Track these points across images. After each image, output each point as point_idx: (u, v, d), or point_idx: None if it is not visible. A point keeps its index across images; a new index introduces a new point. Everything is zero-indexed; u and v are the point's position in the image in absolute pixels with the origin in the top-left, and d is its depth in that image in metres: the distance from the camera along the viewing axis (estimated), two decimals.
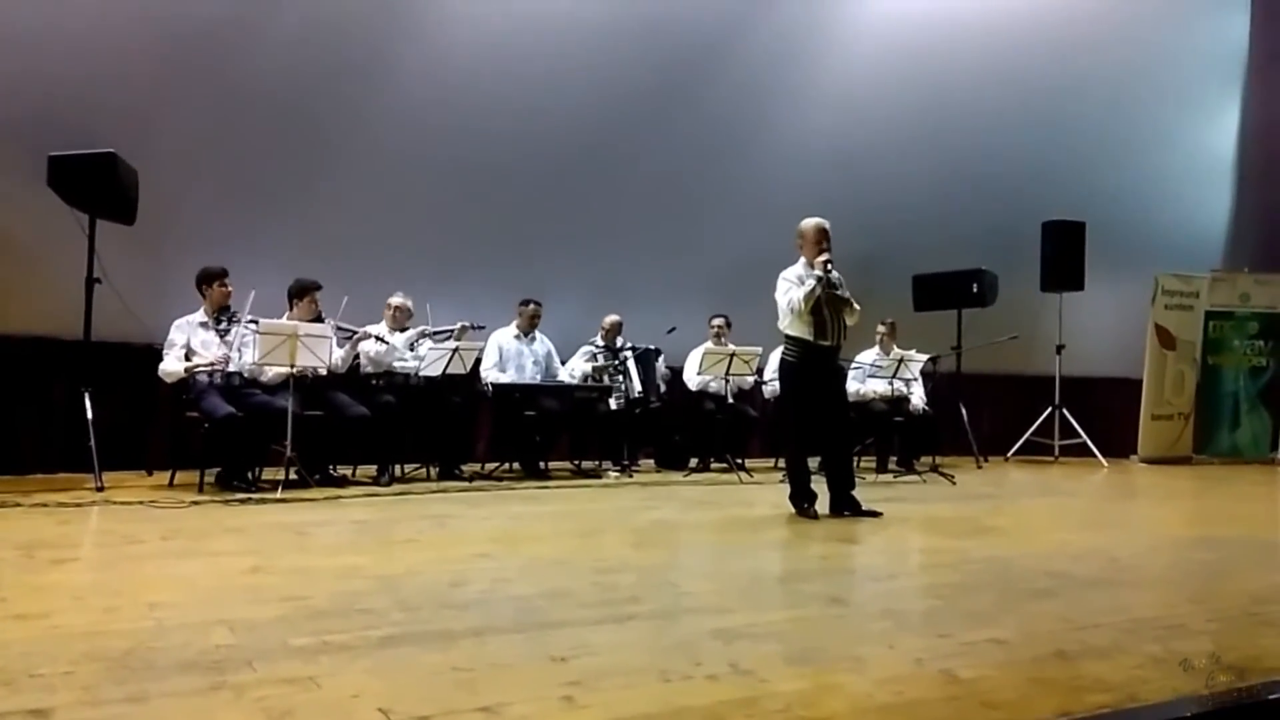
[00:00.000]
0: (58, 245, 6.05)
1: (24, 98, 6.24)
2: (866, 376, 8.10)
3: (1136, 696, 2.15)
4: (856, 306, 5.20)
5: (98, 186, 5.75)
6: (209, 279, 5.89)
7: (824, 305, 5.07)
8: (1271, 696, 2.19)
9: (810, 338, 5.09)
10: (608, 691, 2.11)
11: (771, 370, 7.22)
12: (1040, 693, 2.16)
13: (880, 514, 5.13)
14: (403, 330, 6.69)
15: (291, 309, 6.10)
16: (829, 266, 5.02)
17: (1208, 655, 2.30)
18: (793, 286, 5.09)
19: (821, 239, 5.10)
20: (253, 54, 6.98)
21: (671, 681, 2.19)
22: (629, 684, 2.17)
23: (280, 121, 7.12)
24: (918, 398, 8.05)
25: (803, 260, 5.18)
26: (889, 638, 2.63)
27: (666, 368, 8.02)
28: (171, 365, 5.74)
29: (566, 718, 1.94)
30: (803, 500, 5.14)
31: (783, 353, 5.32)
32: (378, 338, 6.40)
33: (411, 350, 6.62)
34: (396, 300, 6.70)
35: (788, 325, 5.16)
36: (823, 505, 5.15)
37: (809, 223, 5.18)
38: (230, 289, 5.90)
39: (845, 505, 5.15)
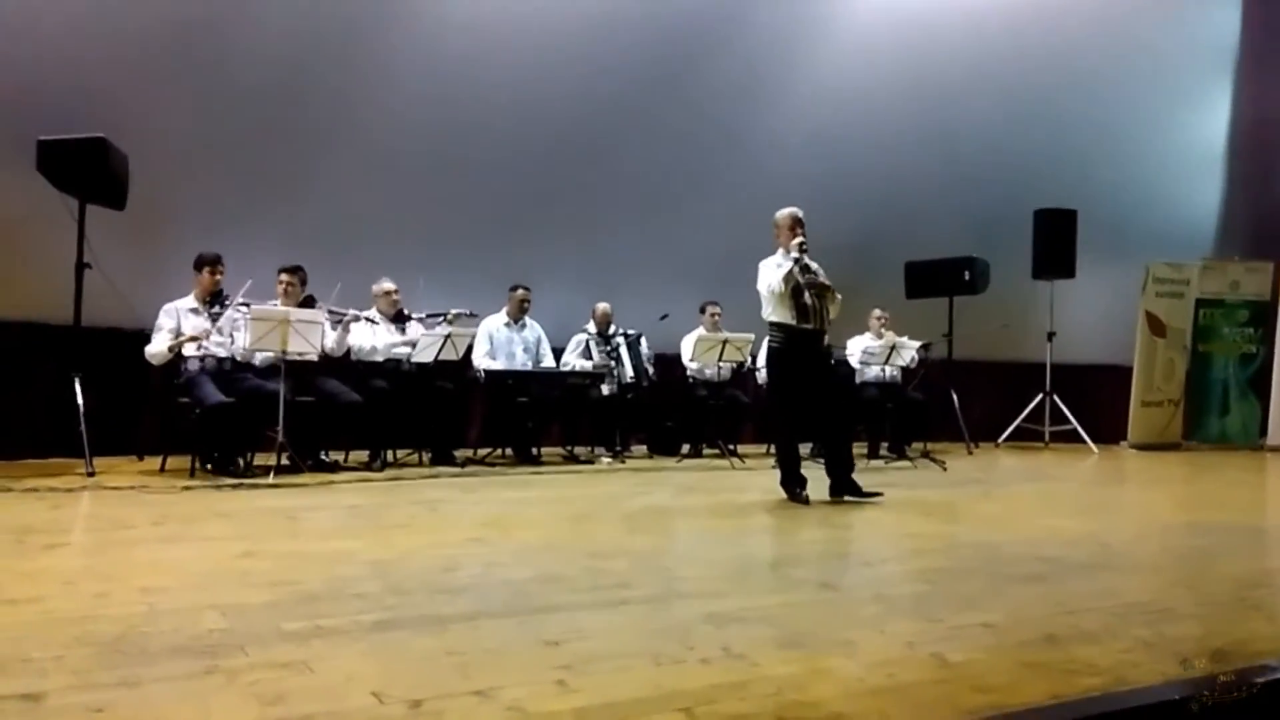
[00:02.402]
0: (47, 230, 6.00)
1: (14, 81, 6.19)
2: (859, 363, 8.16)
3: (1126, 680, 2.16)
4: (838, 296, 5.27)
5: (88, 171, 5.71)
6: (199, 264, 5.86)
7: (805, 290, 5.16)
8: (1259, 680, 2.20)
9: (793, 322, 5.16)
10: (600, 675, 2.11)
11: (764, 357, 7.24)
12: (1030, 676, 2.18)
13: (882, 495, 5.16)
14: (397, 316, 6.66)
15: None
16: (804, 248, 5.12)
17: (1207, 654, 2.31)
18: (771, 271, 5.19)
19: (795, 225, 5.21)
20: (245, 40, 6.93)
21: (663, 665, 2.20)
22: (621, 668, 2.17)
23: (272, 108, 7.07)
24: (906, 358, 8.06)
25: (780, 250, 5.28)
26: (880, 622, 2.64)
27: (654, 353, 8.03)
28: (157, 347, 5.70)
29: (559, 701, 1.95)
30: (794, 485, 5.15)
31: (768, 340, 5.38)
32: (368, 318, 6.38)
33: (401, 326, 6.59)
34: (385, 286, 6.66)
35: (770, 312, 5.24)
36: (822, 491, 5.16)
37: (782, 212, 5.32)
38: (220, 276, 5.87)
39: (846, 489, 5.17)
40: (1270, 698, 2.18)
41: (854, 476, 5.21)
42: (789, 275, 5.08)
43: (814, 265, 5.24)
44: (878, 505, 5.06)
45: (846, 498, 5.14)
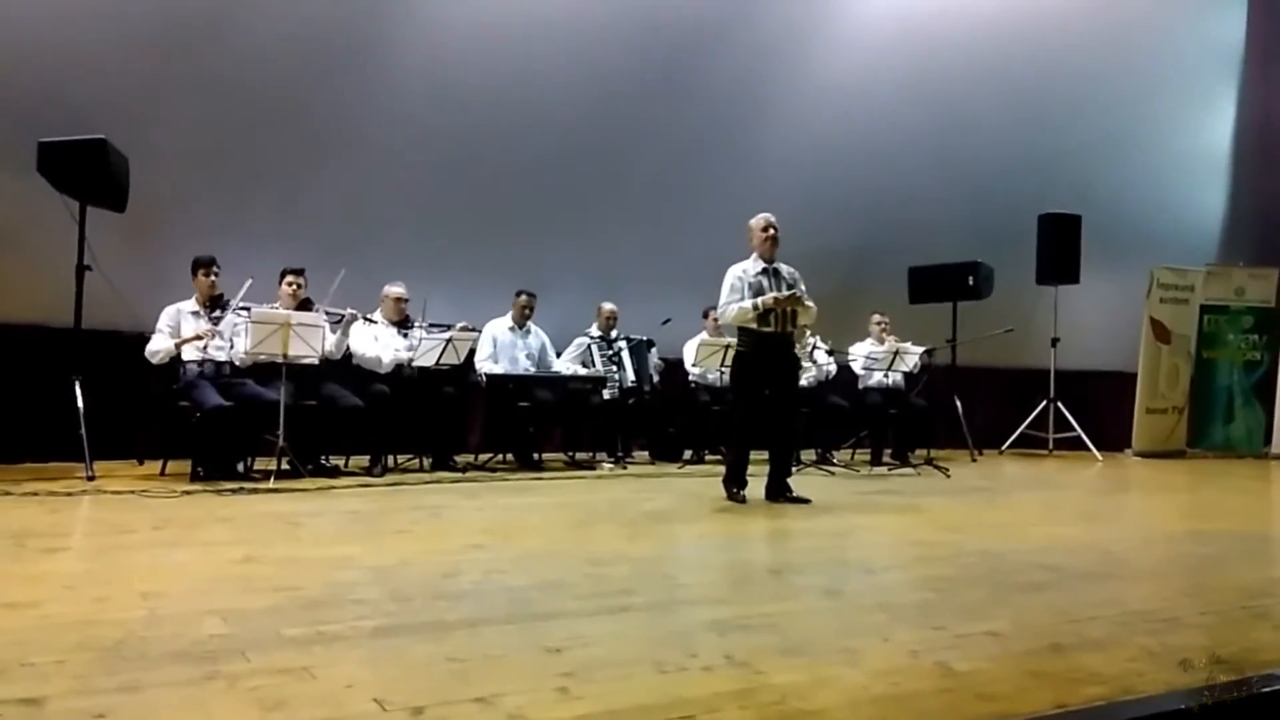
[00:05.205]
0: (48, 232, 6.00)
1: (15, 83, 6.20)
2: (861, 368, 8.14)
3: (1131, 689, 2.14)
4: (810, 305, 5.34)
5: (89, 173, 5.71)
6: (195, 267, 5.86)
7: (766, 294, 5.25)
8: (1265, 689, 2.19)
9: (754, 325, 5.24)
10: (603, 683, 2.10)
11: None
12: (1035, 685, 2.16)
13: (810, 500, 5.25)
14: (401, 321, 6.65)
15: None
16: (768, 304, 5.21)
17: (1207, 654, 2.29)
18: (732, 294, 5.29)
19: (768, 227, 5.35)
20: (246, 42, 6.93)
21: (667, 673, 2.18)
22: (624, 675, 2.16)
23: (274, 110, 7.07)
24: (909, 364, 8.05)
25: (754, 255, 5.38)
26: (883, 630, 2.63)
27: (660, 359, 8.01)
28: (159, 344, 5.70)
29: (562, 709, 1.93)
30: (735, 485, 5.31)
31: (736, 344, 5.48)
32: (366, 318, 6.37)
33: (404, 332, 6.58)
34: (395, 290, 6.65)
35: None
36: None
37: (755, 218, 5.44)
38: (215, 278, 5.85)
39: (781, 491, 5.33)
40: (1274, 707, 2.16)
41: (790, 480, 5.39)
42: (741, 313, 5.19)
43: (785, 270, 5.33)
44: (880, 513, 5.08)
45: (779, 500, 5.29)
